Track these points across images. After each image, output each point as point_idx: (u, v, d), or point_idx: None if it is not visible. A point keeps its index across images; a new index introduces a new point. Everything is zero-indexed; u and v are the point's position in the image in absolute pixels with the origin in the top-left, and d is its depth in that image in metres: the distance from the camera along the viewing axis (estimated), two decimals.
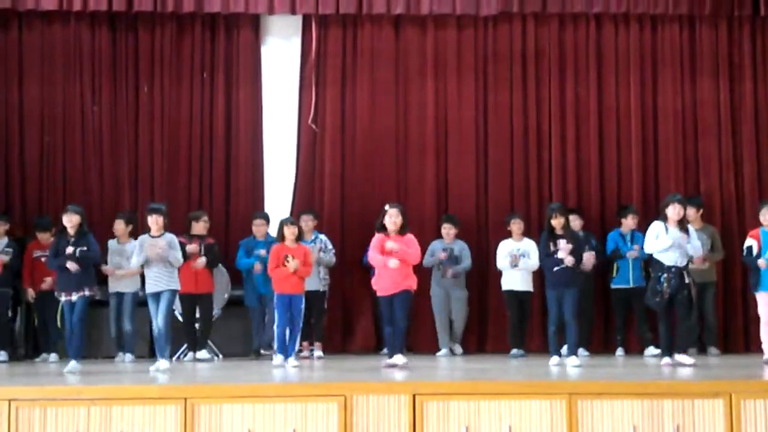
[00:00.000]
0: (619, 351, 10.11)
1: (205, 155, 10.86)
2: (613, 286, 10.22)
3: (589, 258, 9.61)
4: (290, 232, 8.74)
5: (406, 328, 8.47)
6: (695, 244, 8.37)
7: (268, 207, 10.67)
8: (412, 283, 8.35)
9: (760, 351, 8.83)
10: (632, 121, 10.87)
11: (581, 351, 9.47)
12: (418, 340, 10.39)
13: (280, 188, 10.88)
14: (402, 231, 8.30)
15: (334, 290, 10.41)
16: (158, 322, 8.25)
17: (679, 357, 8.19)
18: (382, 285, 8.30)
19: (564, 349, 8.69)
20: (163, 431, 6.13)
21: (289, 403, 6.20)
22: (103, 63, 10.81)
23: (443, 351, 10.06)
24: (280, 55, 11.13)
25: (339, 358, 9.75)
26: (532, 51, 10.98)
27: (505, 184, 10.85)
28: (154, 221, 8.41)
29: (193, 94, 10.90)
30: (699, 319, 9.96)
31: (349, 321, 10.60)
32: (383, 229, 8.32)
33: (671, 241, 8.22)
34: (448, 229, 10.24)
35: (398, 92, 10.98)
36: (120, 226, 9.80)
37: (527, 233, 10.19)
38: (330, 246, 10.01)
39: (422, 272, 10.06)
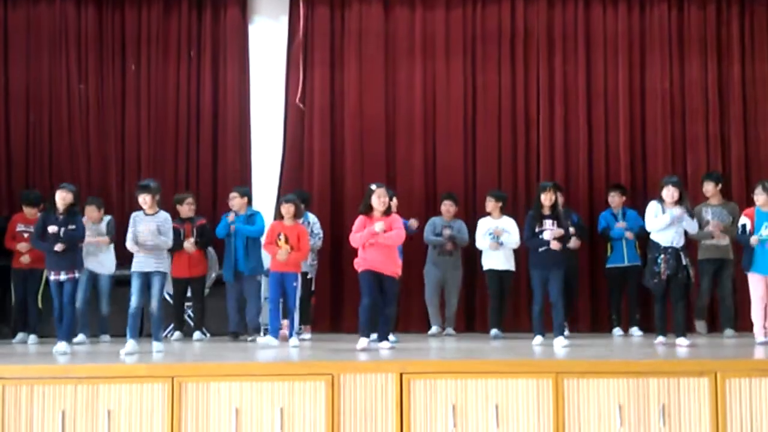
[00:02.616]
0: (617, 330, 10.04)
1: (192, 135, 10.82)
2: (607, 266, 10.21)
3: (575, 243, 9.64)
4: (285, 210, 8.70)
5: (393, 315, 8.43)
6: (690, 222, 8.44)
7: (256, 187, 10.65)
8: (397, 269, 8.30)
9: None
10: (620, 102, 10.88)
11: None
12: (409, 320, 10.40)
13: (268, 168, 10.85)
14: (387, 211, 8.28)
15: (323, 271, 10.39)
16: (151, 304, 8.13)
17: (678, 340, 8.18)
18: (367, 261, 8.12)
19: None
20: (150, 410, 6.14)
21: (276, 382, 6.22)
22: (90, 42, 10.76)
23: (434, 329, 10.08)
24: (268, 34, 11.08)
25: (327, 338, 9.76)
26: (520, 31, 10.96)
27: (492, 164, 10.85)
28: (143, 200, 8.11)
29: (180, 74, 10.85)
30: (713, 299, 9.94)
31: (338, 302, 10.59)
32: (369, 209, 8.25)
33: (669, 219, 8.31)
34: (448, 206, 10.19)
35: (387, 72, 10.94)
36: (93, 213, 9.53)
37: (514, 212, 10.19)
38: (317, 229, 9.94)
39: (415, 252, 10.16)
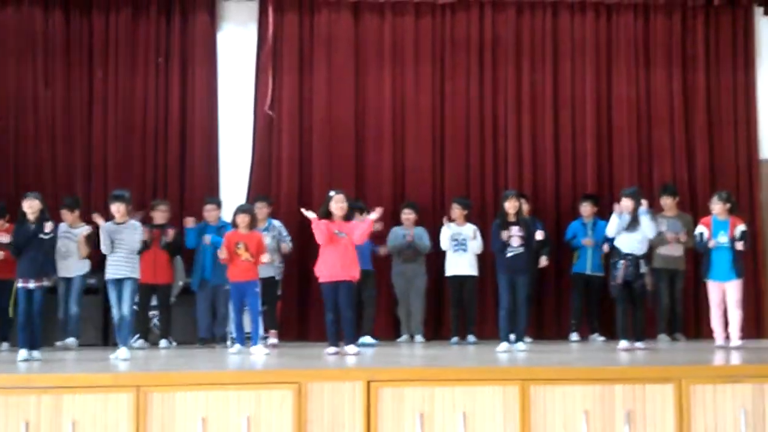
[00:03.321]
0: (574, 336, 10.21)
1: (159, 141, 10.76)
2: (573, 271, 10.36)
3: (544, 261, 9.77)
4: (241, 219, 8.72)
5: (353, 317, 8.48)
6: (645, 227, 8.61)
7: (224, 193, 10.62)
8: (355, 273, 8.39)
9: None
10: (587, 110, 10.97)
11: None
12: (376, 327, 10.39)
13: (236, 175, 10.81)
14: (348, 217, 8.39)
15: (290, 277, 10.37)
16: (122, 310, 8.12)
17: (637, 344, 8.48)
18: (325, 271, 8.34)
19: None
20: (115, 420, 6.07)
21: (243, 391, 6.17)
22: (57, 46, 10.68)
23: (404, 337, 10.12)
24: (237, 40, 11.05)
25: (294, 345, 9.74)
26: (489, 39, 11.02)
27: (461, 171, 10.89)
28: (117, 209, 8.23)
29: (147, 79, 10.79)
30: (669, 306, 10.10)
31: (305, 309, 10.57)
32: (327, 215, 8.37)
33: (617, 219, 8.60)
34: (408, 215, 10.26)
35: (356, 79, 10.96)
36: (67, 216, 9.55)
37: (482, 219, 10.26)
38: (285, 233, 9.97)
39: (383, 260, 10.22)
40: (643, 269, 8.65)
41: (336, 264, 8.28)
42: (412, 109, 10.95)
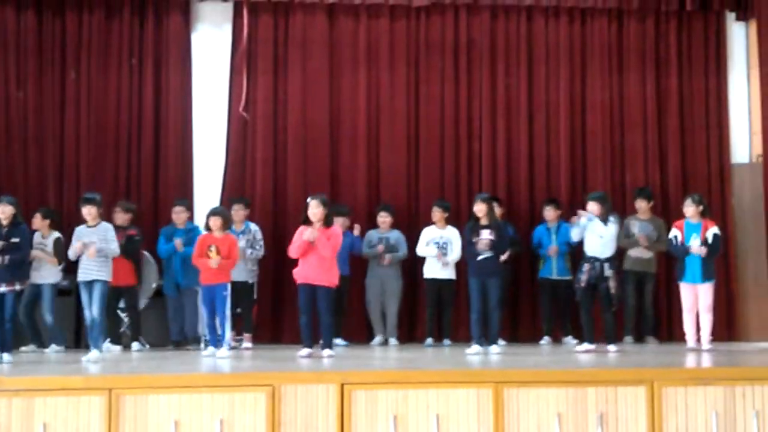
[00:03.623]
0: (544, 339, 10.25)
1: (133, 143, 10.68)
2: (539, 276, 10.40)
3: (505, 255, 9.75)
4: (213, 222, 8.70)
5: (332, 323, 8.46)
6: (574, 233, 8.92)
7: (198, 196, 10.58)
8: (333, 279, 8.35)
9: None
10: (561, 114, 11.01)
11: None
12: (351, 330, 10.39)
13: (210, 177, 10.75)
14: (327, 222, 8.32)
15: (265, 281, 10.35)
16: (93, 311, 8.11)
17: (607, 347, 8.61)
18: (303, 273, 8.31)
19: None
20: (87, 423, 6.03)
21: (217, 394, 6.15)
22: (29, 47, 10.58)
23: (377, 339, 10.12)
24: (211, 42, 11.00)
25: (269, 348, 9.72)
26: (463, 42, 11.05)
27: (436, 174, 10.90)
28: (88, 212, 8.25)
29: (121, 81, 10.71)
30: (637, 309, 10.18)
31: (279, 311, 10.54)
32: (307, 221, 8.34)
33: (577, 227, 8.81)
34: (384, 218, 10.27)
35: (331, 81, 10.94)
36: (37, 221, 9.46)
37: (457, 223, 10.25)
38: (259, 237, 9.95)
39: (360, 262, 10.25)
40: (608, 272, 8.74)
41: (314, 268, 8.24)
42: (386, 112, 10.95)
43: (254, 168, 10.77)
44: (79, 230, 8.29)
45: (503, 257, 9.44)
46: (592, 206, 8.85)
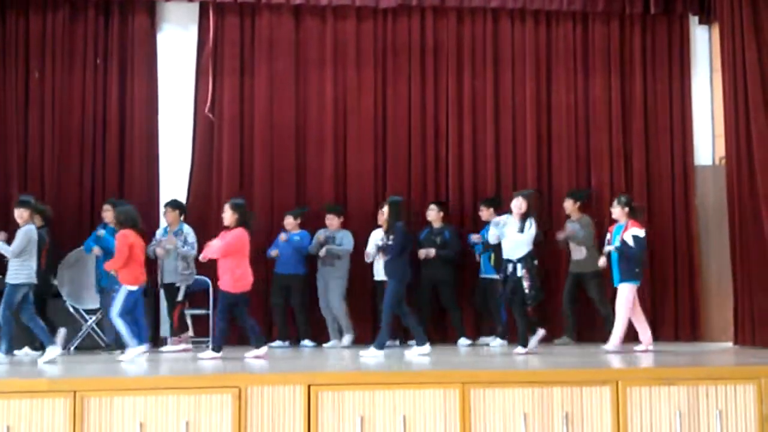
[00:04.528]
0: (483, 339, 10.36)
1: (98, 144, 10.60)
2: (480, 275, 10.46)
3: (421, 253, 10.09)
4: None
5: (223, 326, 8.64)
6: (495, 233, 9.00)
7: (164, 197, 10.49)
8: (225, 284, 8.57)
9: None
10: (527, 116, 11.08)
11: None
12: (313, 331, 10.37)
13: (177, 178, 10.69)
14: (237, 224, 8.63)
15: None
16: None
17: (516, 350, 8.71)
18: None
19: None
20: (51, 425, 5.97)
21: (182, 395, 6.12)
22: None
23: (331, 342, 10.14)
24: (177, 42, 10.95)
25: (235, 349, 9.67)
26: (430, 44, 11.08)
27: (403, 175, 10.93)
28: (19, 215, 8.41)
29: (85, 81, 10.63)
30: (576, 310, 10.31)
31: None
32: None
33: (494, 229, 8.98)
34: (331, 220, 10.33)
35: (297, 82, 10.94)
36: None
37: (423, 225, 10.32)
38: (191, 239, 9.84)
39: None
40: (520, 272, 8.79)
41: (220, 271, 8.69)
42: (353, 113, 10.95)
43: (220, 169, 10.73)
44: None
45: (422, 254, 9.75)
46: (519, 202, 8.88)
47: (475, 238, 10.30)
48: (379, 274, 9.95)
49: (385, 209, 8.97)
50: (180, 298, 9.81)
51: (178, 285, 9.82)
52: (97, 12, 10.68)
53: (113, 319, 8.39)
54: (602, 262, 9.29)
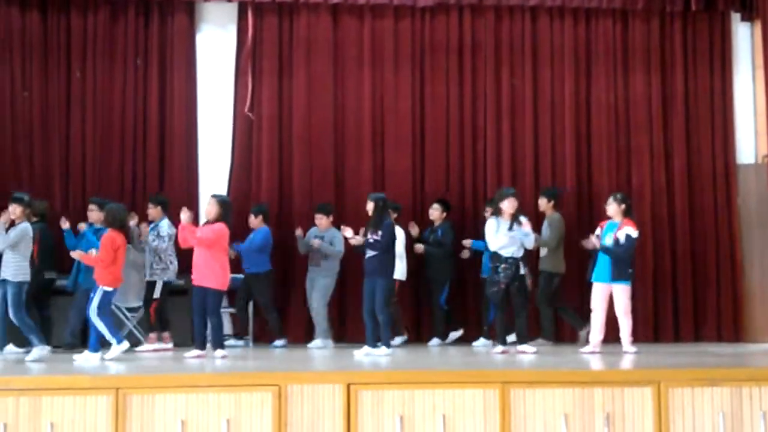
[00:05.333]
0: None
1: (138, 142, 10.70)
2: (482, 276, 10.29)
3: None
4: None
5: (218, 323, 8.59)
6: (529, 236, 8.83)
7: (204, 196, 10.52)
8: (209, 281, 8.45)
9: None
10: (566, 114, 11.00)
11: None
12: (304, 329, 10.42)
13: (216, 177, 10.76)
14: (218, 219, 8.57)
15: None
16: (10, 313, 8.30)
17: (522, 347, 8.66)
18: (194, 274, 8.58)
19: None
20: (94, 422, 6.04)
21: (223, 393, 6.16)
22: (34, 47, 10.59)
23: (316, 342, 10.04)
24: (216, 42, 11.01)
25: (265, 349, 9.75)
26: (468, 43, 11.04)
27: (440, 174, 10.91)
28: (13, 210, 8.47)
29: (126, 81, 10.72)
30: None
31: (284, 312, 10.50)
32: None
33: (507, 239, 8.71)
34: (319, 219, 10.20)
35: (335, 81, 10.95)
36: None
37: (462, 222, 10.45)
38: (164, 232, 9.59)
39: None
40: (522, 270, 8.77)
41: (195, 268, 8.53)
42: (391, 112, 10.95)
43: (259, 168, 10.78)
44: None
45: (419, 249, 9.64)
46: (513, 202, 8.82)
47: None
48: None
49: (370, 206, 8.91)
50: (156, 294, 9.56)
51: (153, 280, 9.56)
52: (137, 12, 10.77)
53: (92, 318, 8.30)
54: (590, 242, 8.98)
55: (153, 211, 9.76)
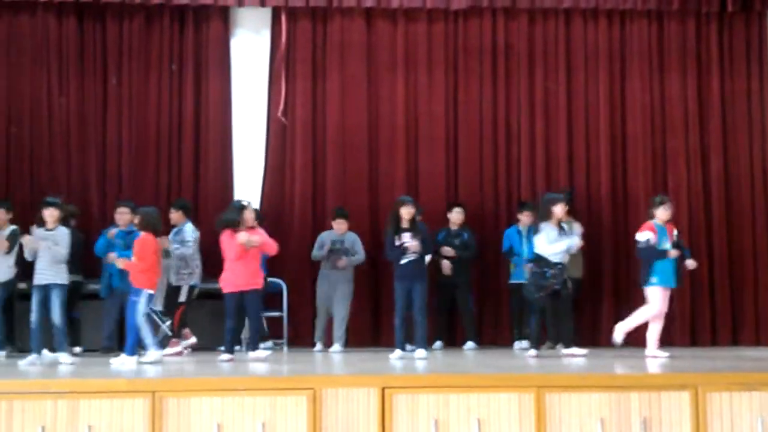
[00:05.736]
0: (518, 344, 10.00)
1: (173, 148, 10.78)
2: (510, 281, 10.29)
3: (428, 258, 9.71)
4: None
5: (259, 324, 8.70)
6: (576, 241, 8.97)
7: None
8: (259, 281, 8.63)
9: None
10: (601, 116, 10.93)
11: (438, 344, 9.98)
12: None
13: (250, 181, 10.82)
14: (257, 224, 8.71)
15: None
16: (53, 317, 8.27)
17: (570, 350, 8.72)
18: (230, 281, 8.56)
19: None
20: (131, 425, 6.08)
21: (259, 397, 6.18)
22: (71, 54, 10.69)
23: (318, 346, 10.04)
24: (250, 47, 11.07)
25: (309, 351, 9.76)
26: (502, 46, 11.01)
27: (474, 178, 10.88)
28: (50, 214, 8.41)
29: (161, 86, 10.81)
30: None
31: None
32: (232, 224, 8.57)
33: (564, 245, 8.76)
34: (339, 224, 10.13)
35: (369, 85, 10.96)
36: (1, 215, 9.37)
37: (496, 226, 10.48)
38: (188, 237, 9.55)
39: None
40: (565, 275, 8.86)
41: (240, 275, 8.52)
42: (425, 116, 10.94)
43: (293, 172, 10.82)
44: (37, 233, 8.41)
45: (427, 260, 9.32)
46: (562, 208, 8.90)
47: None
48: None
49: (410, 210, 8.90)
50: (182, 299, 9.56)
51: (174, 285, 9.55)
52: (172, 19, 10.86)
53: (138, 322, 8.30)
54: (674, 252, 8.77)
55: (175, 215, 9.76)
